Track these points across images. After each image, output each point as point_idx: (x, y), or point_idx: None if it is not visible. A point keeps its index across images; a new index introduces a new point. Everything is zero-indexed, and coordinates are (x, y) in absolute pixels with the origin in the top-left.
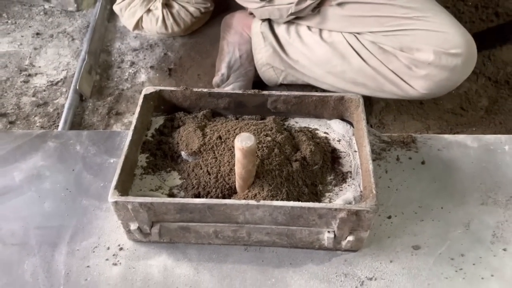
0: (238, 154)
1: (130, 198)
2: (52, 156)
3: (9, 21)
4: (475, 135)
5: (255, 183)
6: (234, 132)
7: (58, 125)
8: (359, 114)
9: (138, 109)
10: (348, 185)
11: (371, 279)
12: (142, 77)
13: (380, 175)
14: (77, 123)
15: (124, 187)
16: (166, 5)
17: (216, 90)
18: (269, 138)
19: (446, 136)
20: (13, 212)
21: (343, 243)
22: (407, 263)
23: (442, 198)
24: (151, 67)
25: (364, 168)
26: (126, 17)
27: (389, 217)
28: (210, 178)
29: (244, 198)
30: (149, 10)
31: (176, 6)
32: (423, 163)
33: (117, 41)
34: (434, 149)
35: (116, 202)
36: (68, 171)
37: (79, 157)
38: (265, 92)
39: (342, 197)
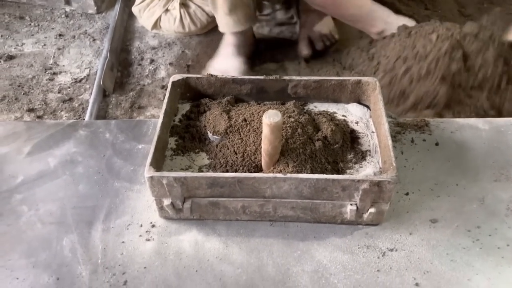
0: (265, 130)
1: (165, 173)
2: (83, 143)
3: (32, 24)
4: (485, 118)
5: (280, 160)
6: (258, 115)
7: (84, 119)
8: (376, 96)
9: (167, 94)
10: (368, 163)
11: (392, 250)
12: (162, 73)
13: (396, 155)
14: (101, 116)
15: (158, 165)
16: (183, 5)
17: (239, 76)
18: (292, 119)
19: (458, 119)
20: (50, 194)
21: (365, 216)
22: (426, 235)
23: (457, 176)
24: (170, 64)
25: (383, 145)
26: (145, 17)
27: (407, 194)
28: (237, 157)
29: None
30: (167, 10)
31: (192, 6)
32: (437, 144)
33: (136, 40)
34: (447, 132)
35: (152, 178)
36: (99, 157)
37: (109, 143)
38: (286, 78)
39: (363, 173)
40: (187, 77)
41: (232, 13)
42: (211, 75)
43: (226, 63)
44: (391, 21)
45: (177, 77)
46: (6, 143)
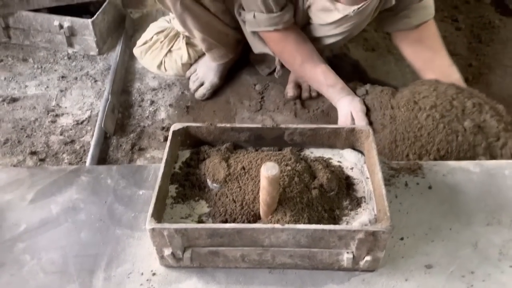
0: (263, 182)
1: (166, 225)
2: (85, 190)
3: (35, 66)
4: (476, 161)
5: (278, 209)
6: (256, 163)
7: (85, 161)
8: (369, 144)
9: (168, 143)
10: (363, 209)
11: None
12: (162, 114)
13: (390, 200)
14: (102, 158)
15: (158, 215)
16: (188, 44)
17: (237, 125)
18: (289, 168)
19: (450, 162)
20: (52, 242)
21: (361, 263)
22: (421, 281)
23: (450, 220)
24: (170, 105)
25: (377, 193)
26: (148, 59)
27: (402, 239)
28: (235, 206)
29: (269, 223)
30: (170, 51)
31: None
32: (430, 187)
33: (136, 81)
34: (440, 175)
35: (153, 229)
36: (101, 203)
37: (111, 189)
38: (282, 126)
39: (358, 220)
40: (187, 126)
41: (209, 52)
42: (211, 124)
43: (204, 73)
44: (339, 106)
45: (177, 126)
46: (9, 190)
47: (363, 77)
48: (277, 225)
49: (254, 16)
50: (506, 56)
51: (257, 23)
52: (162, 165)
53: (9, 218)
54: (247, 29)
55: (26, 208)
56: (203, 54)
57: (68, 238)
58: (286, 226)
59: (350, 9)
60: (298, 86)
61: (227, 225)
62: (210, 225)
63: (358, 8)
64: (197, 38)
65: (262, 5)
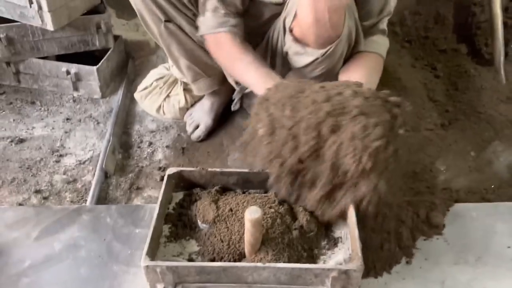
0: (247, 224)
1: (159, 263)
2: (86, 228)
3: (42, 108)
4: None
5: (261, 248)
6: (243, 205)
7: (86, 200)
8: None
9: (163, 187)
10: (339, 249)
11: None
12: (159, 155)
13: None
14: (103, 197)
15: (152, 253)
16: (186, 90)
17: (226, 169)
18: (272, 210)
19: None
20: (55, 278)
21: None
22: None
23: (420, 259)
24: (167, 146)
25: (352, 235)
26: (147, 103)
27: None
28: (223, 245)
29: (252, 262)
30: (168, 97)
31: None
32: None
33: (136, 124)
34: None
35: (147, 266)
36: (100, 241)
37: (110, 228)
38: (267, 170)
39: (335, 259)
40: (181, 170)
41: (195, 82)
42: (203, 168)
43: (199, 116)
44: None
45: (172, 170)
46: (16, 228)
47: None
48: (259, 264)
49: (204, 15)
50: (479, 103)
51: (205, 25)
52: (157, 207)
53: (15, 254)
54: (198, 35)
55: (31, 245)
56: (199, 99)
57: (70, 274)
58: (267, 264)
59: (318, 53)
60: None
61: (214, 264)
62: (198, 264)
63: (326, 52)
64: (183, 67)
65: (217, 2)
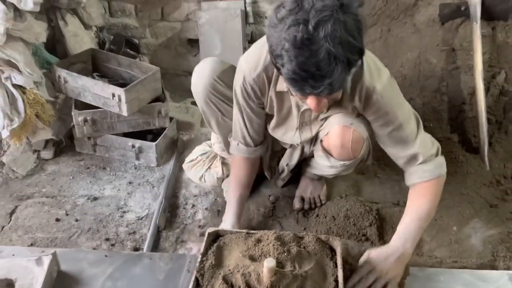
0: None
1: None
2: (146, 268)
3: (111, 173)
4: (420, 267)
5: None
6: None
7: (142, 248)
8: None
9: (203, 243)
10: None
11: None
12: (200, 215)
13: None
14: (155, 246)
15: None
16: (223, 164)
17: (251, 231)
18: None
19: None
20: None
21: None
22: None
23: None
24: (206, 208)
25: None
26: (192, 173)
27: None
28: None
29: None
30: (209, 168)
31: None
32: None
33: (183, 189)
34: None
35: None
36: (155, 279)
37: (163, 270)
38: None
39: None
40: (218, 230)
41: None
42: (232, 230)
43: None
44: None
45: (212, 229)
46: (96, 266)
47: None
48: None
49: (238, 144)
50: (464, 186)
51: (238, 150)
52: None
53: (94, 286)
54: (230, 152)
55: (106, 280)
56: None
57: None
58: None
59: (338, 163)
60: (303, 199)
61: None
62: None
63: (343, 164)
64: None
65: (243, 140)
